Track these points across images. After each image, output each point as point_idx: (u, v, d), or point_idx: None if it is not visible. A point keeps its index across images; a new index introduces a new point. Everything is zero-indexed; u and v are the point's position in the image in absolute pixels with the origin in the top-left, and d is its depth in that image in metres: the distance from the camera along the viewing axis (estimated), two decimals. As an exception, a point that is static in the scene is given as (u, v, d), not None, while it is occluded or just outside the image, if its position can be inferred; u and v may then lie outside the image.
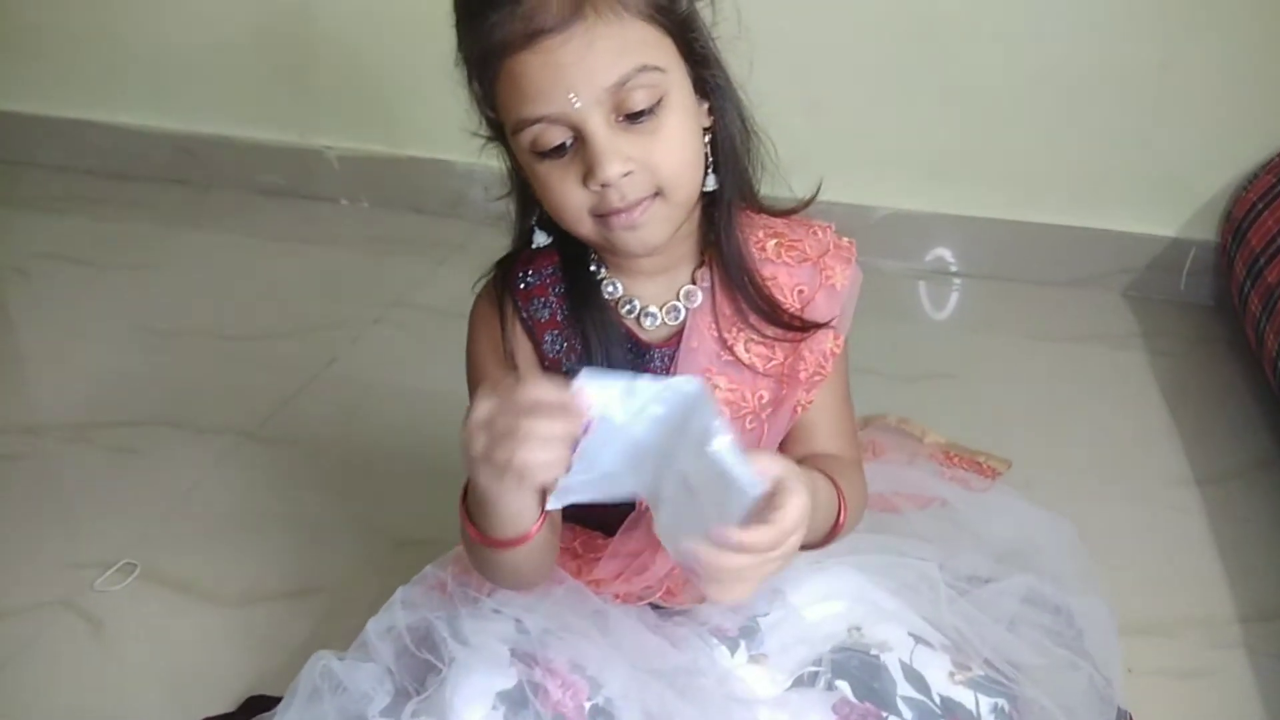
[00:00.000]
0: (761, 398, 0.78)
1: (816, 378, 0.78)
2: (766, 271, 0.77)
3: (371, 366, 1.54)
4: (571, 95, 0.64)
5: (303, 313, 1.67)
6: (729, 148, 0.73)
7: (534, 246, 0.78)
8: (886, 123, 1.76)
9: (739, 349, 0.77)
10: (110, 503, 1.27)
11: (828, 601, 0.82)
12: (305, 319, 1.65)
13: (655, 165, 0.67)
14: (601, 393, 0.60)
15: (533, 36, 0.64)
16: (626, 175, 0.66)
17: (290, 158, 2.05)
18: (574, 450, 0.61)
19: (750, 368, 0.77)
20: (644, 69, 0.65)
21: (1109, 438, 1.38)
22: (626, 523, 0.78)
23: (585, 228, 0.70)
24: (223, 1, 1.96)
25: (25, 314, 1.73)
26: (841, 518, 0.73)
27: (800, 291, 0.78)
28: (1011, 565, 0.91)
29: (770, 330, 0.77)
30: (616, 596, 0.80)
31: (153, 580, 1.15)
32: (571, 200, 0.68)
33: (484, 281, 0.80)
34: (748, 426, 0.78)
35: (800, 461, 0.71)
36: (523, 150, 0.68)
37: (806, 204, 0.79)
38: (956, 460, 1.28)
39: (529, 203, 0.78)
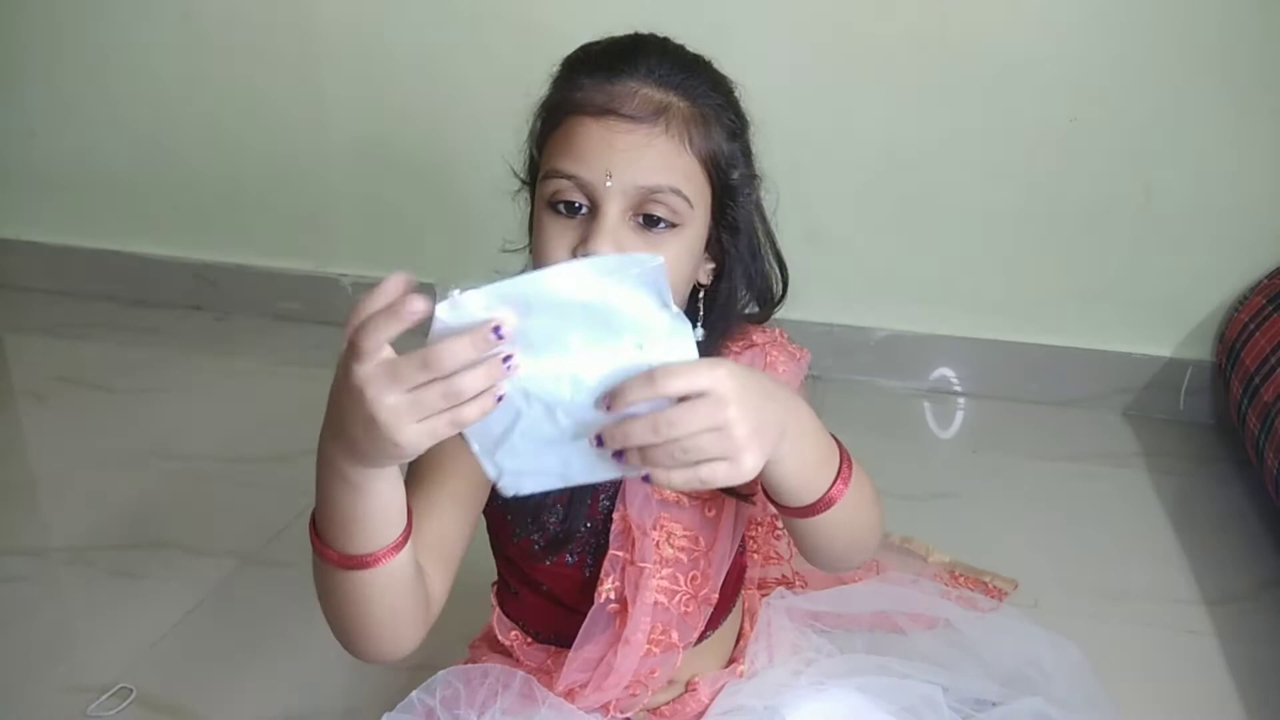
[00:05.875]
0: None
1: None
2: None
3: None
4: (609, 173, 0.68)
5: (309, 435, 1.68)
6: (722, 309, 0.77)
7: None
8: (885, 248, 1.81)
9: None
10: (108, 626, 1.26)
11: (828, 725, 0.80)
12: (311, 441, 1.66)
13: None
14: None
15: (607, 112, 0.69)
16: None
17: (307, 285, 2.12)
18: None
19: None
20: (676, 192, 0.69)
21: (1114, 557, 1.37)
22: (582, 632, 0.78)
23: None
24: (245, 138, 2.06)
25: (38, 437, 1.75)
26: (845, 470, 0.68)
27: None
28: (1018, 689, 0.89)
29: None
30: (605, 709, 0.79)
31: (147, 705, 1.13)
32: (556, 257, 0.71)
33: None
34: (708, 514, 0.79)
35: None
36: (542, 196, 0.72)
37: (761, 317, 0.82)
38: (962, 580, 1.27)
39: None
